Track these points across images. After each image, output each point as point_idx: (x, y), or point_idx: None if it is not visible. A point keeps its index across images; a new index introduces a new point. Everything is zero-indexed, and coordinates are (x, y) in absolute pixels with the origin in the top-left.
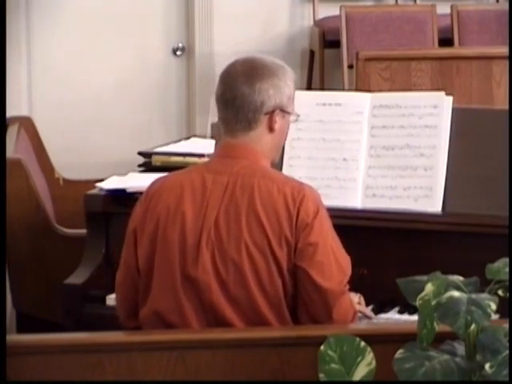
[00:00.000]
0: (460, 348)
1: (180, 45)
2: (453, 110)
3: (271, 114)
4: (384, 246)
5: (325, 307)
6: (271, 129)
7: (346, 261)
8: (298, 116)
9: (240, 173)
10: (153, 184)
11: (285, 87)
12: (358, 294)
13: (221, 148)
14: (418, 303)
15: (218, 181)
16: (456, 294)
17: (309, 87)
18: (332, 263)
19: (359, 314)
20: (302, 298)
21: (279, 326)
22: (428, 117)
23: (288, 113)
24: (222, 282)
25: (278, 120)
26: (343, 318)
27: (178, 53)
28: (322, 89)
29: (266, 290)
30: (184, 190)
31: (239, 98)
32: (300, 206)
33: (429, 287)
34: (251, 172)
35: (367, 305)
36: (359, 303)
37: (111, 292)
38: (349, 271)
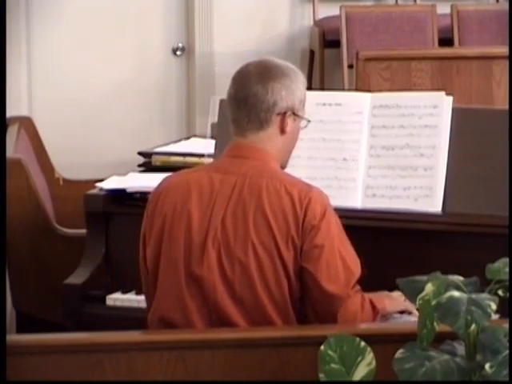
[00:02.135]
0: (460, 348)
1: (180, 45)
2: (453, 109)
3: (283, 115)
4: (384, 246)
5: (331, 310)
6: (283, 131)
7: (354, 262)
8: (309, 121)
9: (248, 173)
10: (160, 184)
11: (297, 90)
12: (400, 293)
13: (230, 148)
14: (418, 303)
15: (226, 181)
16: (456, 293)
17: (309, 87)
18: (338, 265)
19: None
20: (309, 299)
21: (279, 326)
22: (428, 117)
23: (299, 117)
24: (228, 282)
25: (290, 123)
26: (349, 321)
27: (178, 53)
28: (322, 89)
29: (272, 290)
30: (191, 189)
31: (252, 97)
32: (307, 208)
33: (429, 287)
34: (259, 172)
35: None
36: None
37: (111, 292)
38: (357, 271)
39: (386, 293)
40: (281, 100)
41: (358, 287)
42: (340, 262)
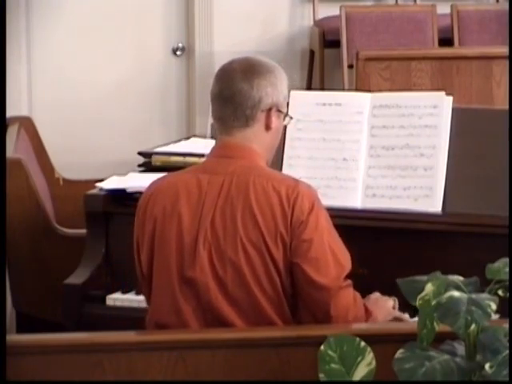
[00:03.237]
0: (460, 348)
1: (180, 45)
2: (453, 109)
3: (268, 111)
4: (384, 246)
5: (322, 303)
6: (268, 127)
7: (344, 255)
8: (291, 118)
9: (235, 172)
10: (148, 187)
11: (281, 86)
12: (393, 298)
13: (217, 148)
14: (418, 303)
15: (214, 181)
16: (456, 293)
17: (309, 87)
18: (328, 259)
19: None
20: (300, 295)
21: (279, 326)
22: (428, 117)
23: (283, 113)
24: (220, 282)
25: (274, 119)
26: (342, 314)
27: (178, 53)
28: (322, 89)
29: (265, 287)
30: (179, 192)
31: (237, 94)
32: (294, 204)
33: (429, 287)
34: (247, 171)
35: None
36: (394, 307)
37: (111, 292)
38: (348, 266)
39: (376, 295)
40: (266, 96)
41: (349, 281)
42: (330, 255)
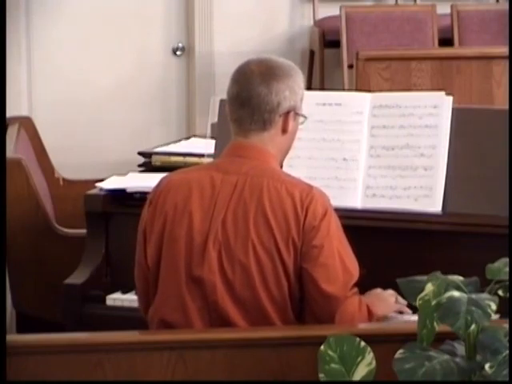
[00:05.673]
0: (460, 348)
1: (180, 45)
2: (453, 109)
3: (286, 115)
4: (384, 246)
5: (328, 310)
6: (284, 130)
7: (353, 263)
8: (306, 118)
9: (249, 173)
10: (160, 182)
11: (299, 89)
12: (392, 292)
13: (231, 147)
14: (418, 303)
15: (227, 180)
16: (456, 293)
17: (309, 87)
18: (337, 266)
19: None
20: (307, 300)
21: (279, 326)
22: (428, 117)
23: (299, 115)
24: (228, 283)
25: (291, 122)
26: (348, 322)
27: (178, 53)
28: (322, 89)
29: (272, 291)
30: (192, 189)
31: (255, 97)
32: (308, 209)
33: (429, 287)
34: (260, 172)
35: None
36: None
37: (111, 292)
38: (356, 274)
39: (377, 291)
40: (284, 100)
41: (355, 289)
42: (339, 262)
